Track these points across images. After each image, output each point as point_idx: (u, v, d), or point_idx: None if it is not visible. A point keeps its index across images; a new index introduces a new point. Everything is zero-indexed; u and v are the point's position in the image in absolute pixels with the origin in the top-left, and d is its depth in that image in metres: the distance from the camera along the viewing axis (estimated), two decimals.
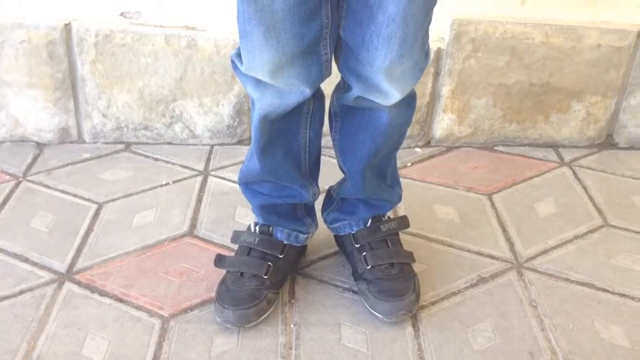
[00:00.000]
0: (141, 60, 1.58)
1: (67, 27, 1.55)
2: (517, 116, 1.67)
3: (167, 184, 1.51)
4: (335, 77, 1.04)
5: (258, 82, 0.99)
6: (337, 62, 1.02)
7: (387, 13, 0.90)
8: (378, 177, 1.15)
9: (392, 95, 0.99)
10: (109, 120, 1.65)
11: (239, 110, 1.65)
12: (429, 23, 0.97)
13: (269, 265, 1.12)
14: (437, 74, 1.62)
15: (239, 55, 1.01)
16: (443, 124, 1.68)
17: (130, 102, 1.63)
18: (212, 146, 1.68)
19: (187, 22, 1.58)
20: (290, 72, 0.96)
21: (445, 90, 1.63)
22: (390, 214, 1.22)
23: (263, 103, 1.01)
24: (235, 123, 1.67)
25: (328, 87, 1.08)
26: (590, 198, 1.47)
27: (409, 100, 1.06)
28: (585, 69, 1.60)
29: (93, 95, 1.62)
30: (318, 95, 1.07)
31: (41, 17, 1.54)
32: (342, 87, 1.07)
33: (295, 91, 1.00)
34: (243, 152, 1.64)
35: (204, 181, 1.52)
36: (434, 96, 1.65)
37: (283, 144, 1.08)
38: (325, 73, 1.00)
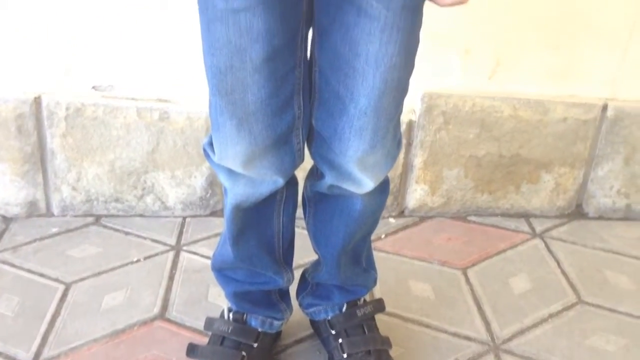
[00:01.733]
0: (113, 133, 1.57)
1: (37, 101, 1.54)
2: (488, 187, 1.68)
3: (137, 260, 1.48)
4: (308, 162, 1.04)
5: (230, 172, 0.99)
6: (309, 150, 1.02)
7: (359, 106, 0.90)
8: (353, 262, 1.14)
9: (366, 184, 0.99)
10: (78, 193, 1.63)
11: (211, 182, 1.64)
12: (400, 113, 0.98)
13: (243, 355, 1.09)
14: (409, 145, 1.64)
15: (211, 144, 1.00)
16: (416, 194, 1.68)
17: (101, 175, 1.61)
18: (184, 218, 1.66)
19: (160, 95, 1.58)
20: (263, 163, 0.96)
21: (418, 161, 1.64)
22: (366, 296, 1.21)
23: (236, 192, 1.01)
24: (208, 195, 1.66)
25: (301, 171, 1.07)
26: (564, 273, 1.48)
27: (383, 187, 1.06)
28: (553, 141, 1.63)
29: (63, 168, 1.60)
30: (291, 181, 1.07)
31: (10, 90, 1.53)
32: (315, 174, 1.07)
33: (268, 180, 0.99)
34: (216, 224, 1.62)
35: (176, 257, 1.50)
36: (407, 167, 1.66)
37: (256, 231, 1.07)
38: (298, 161, 1.00)
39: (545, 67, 1.59)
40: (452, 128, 1.60)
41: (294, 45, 0.89)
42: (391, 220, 1.68)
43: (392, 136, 0.97)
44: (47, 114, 1.54)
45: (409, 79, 0.93)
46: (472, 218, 1.70)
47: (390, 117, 0.94)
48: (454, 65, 1.57)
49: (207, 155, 1.02)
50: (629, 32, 1.56)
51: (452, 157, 1.64)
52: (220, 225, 1.62)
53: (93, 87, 1.57)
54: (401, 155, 1.63)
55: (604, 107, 1.61)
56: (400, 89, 0.92)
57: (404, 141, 1.62)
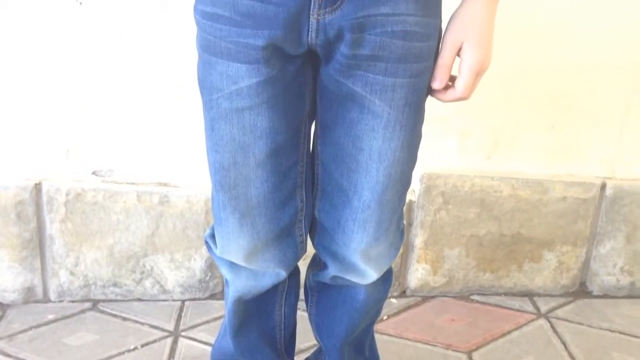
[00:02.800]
0: (112, 217, 1.57)
1: (37, 187, 1.54)
2: (490, 266, 1.67)
3: (135, 348, 1.44)
4: (309, 250, 1.03)
5: (232, 265, 0.98)
6: (312, 241, 1.02)
7: (362, 199, 0.90)
8: (356, 351, 1.12)
9: (369, 275, 0.98)
10: (76, 278, 1.60)
11: (211, 264, 1.62)
12: (403, 204, 0.98)
13: None
14: (409, 226, 1.63)
15: (213, 236, 1.00)
16: (417, 274, 1.67)
17: (100, 259, 1.59)
18: (183, 302, 1.63)
19: (160, 179, 1.58)
20: (266, 256, 0.95)
21: (418, 241, 1.64)
22: None
23: (237, 285, 0.99)
24: (207, 277, 1.64)
25: (302, 260, 1.06)
26: (571, 355, 1.45)
27: (386, 276, 1.05)
28: (554, 220, 1.63)
29: (61, 254, 1.58)
30: (293, 271, 1.06)
31: (11, 177, 1.53)
32: (318, 264, 1.06)
33: (271, 273, 0.98)
34: (215, 308, 1.59)
35: (174, 343, 1.46)
36: (408, 247, 1.65)
37: (258, 324, 1.05)
38: (300, 253, 1.00)
39: (543, 147, 1.60)
40: (452, 208, 1.60)
41: (297, 141, 0.90)
42: (393, 300, 1.66)
43: (395, 227, 0.97)
44: (47, 199, 1.54)
45: (412, 171, 0.94)
46: (475, 297, 1.68)
47: (394, 210, 0.93)
48: (452, 146, 1.59)
49: (209, 248, 1.01)
50: (623, 111, 1.58)
51: (453, 237, 1.63)
52: (219, 308, 1.60)
53: (93, 172, 1.57)
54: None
55: (603, 186, 1.62)
56: (403, 182, 0.92)
57: (404, 221, 1.61)
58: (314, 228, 0.99)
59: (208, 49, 0.84)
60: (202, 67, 0.86)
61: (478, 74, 0.85)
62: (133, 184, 1.58)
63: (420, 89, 0.86)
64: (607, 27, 1.51)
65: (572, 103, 1.57)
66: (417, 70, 0.83)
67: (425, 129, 0.91)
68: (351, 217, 0.92)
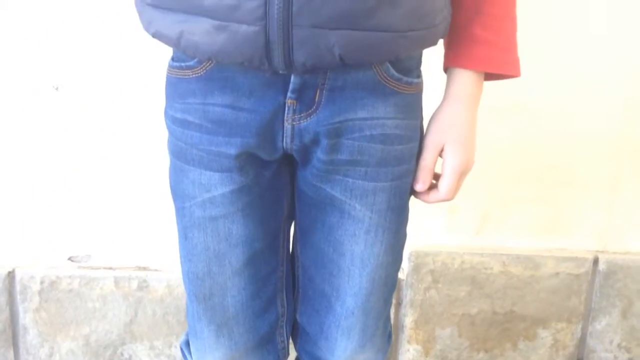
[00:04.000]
0: (88, 305, 1.50)
1: (11, 275, 1.48)
2: (484, 345, 1.61)
3: None
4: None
5: None
6: (294, 345, 0.96)
7: (346, 305, 0.85)
8: None
9: None
10: None
11: None
12: (390, 307, 0.93)
13: None
14: (398, 305, 1.58)
15: (188, 343, 0.94)
16: (409, 355, 1.60)
17: (75, 350, 1.52)
18: None
19: (139, 262, 1.53)
20: None
21: (408, 320, 1.58)
22: None
23: None
24: None
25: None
26: None
27: None
28: (547, 296, 1.58)
29: (35, 344, 1.51)
30: None
31: None
32: None
33: None
34: None
35: None
36: (397, 327, 1.59)
37: None
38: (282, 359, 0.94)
39: (533, 221, 1.56)
40: (441, 286, 1.55)
41: (276, 246, 0.86)
42: None
43: (381, 332, 0.91)
44: (21, 288, 1.48)
45: (397, 273, 0.89)
46: None
47: (379, 315, 0.88)
48: (440, 223, 1.54)
49: (184, 356, 0.95)
50: (613, 184, 1.55)
51: (444, 316, 1.58)
52: None
53: (69, 258, 1.51)
54: (391, 315, 1.56)
55: (595, 261, 1.58)
56: (388, 285, 0.87)
57: (393, 301, 1.56)
58: (296, 332, 0.94)
59: (179, 155, 0.80)
60: (174, 173, 0.82)
61: (462, 175, 0.81)
62: (110, 268, 1.52)
63: (403, 191, 0.82)
64: (593, 99, 1.49)
65: (560, 176, 1.54)
66: (399, 173, 0.80)
67: (412, 204, 0.87)
68: (334, 323, 0.87)
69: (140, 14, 0.75)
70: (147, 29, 0.75)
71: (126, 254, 1.52)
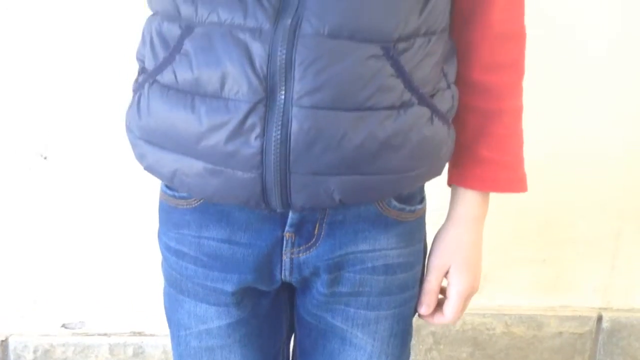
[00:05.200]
0: None
1: (4, 344, 1.45)
2: None
3: None
4: None
5: None
6: None
7: None
8: None
9: None
10: None
11: None
12: None
13: None
14: None
15: None
16: None
17: None
18: None
19: (134, 327, 1.50)
20: None
21: None
22: None
23: None
24: None
25: None
26: None
27: None
28: (550, 356, 1.55)
29: None
30: None
31: None
32: None
33: None
34: None
35: None
36: None
37: None
38: None
39: (535, 280, 1.54)
40: (443, 348, 1.53)
41: None
42: None
43: None
44: (14, 358, 1.45)
45: None
46: None
47: None
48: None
49: None
50: (614, 240, 1.53)
51: None
52: None
53: (63, 325, 1.48)
54: None
55: (599, 319, 1.56)
56: None
57: None
58: None
59: (174, 284, 0.77)
60: (168, 301, 0.79)
61: (467, 298, 0.78)
62: (105, 334, 1.49)
63: (407, 316, 0.79)
64: (594, 157, 1.46)
65: (562, 234, 1.52)
66: (402, 300, 0.77)
67: None
68: None
69: (133, 145, 0.72)
70: (139, 160, 0.72)
71: (120, 318, 1.49)
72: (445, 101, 0.70)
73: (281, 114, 0.61)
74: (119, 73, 1.16)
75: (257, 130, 0.62)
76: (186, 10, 0.64)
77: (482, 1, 0.71)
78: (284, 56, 0.61)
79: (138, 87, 0.70)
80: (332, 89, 0.61)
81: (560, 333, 1.54)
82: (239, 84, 0.61)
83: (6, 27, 1.29)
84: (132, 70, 0.75)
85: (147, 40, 0.69)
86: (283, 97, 0.61)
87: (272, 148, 0.62)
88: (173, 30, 0.65)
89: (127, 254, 1.43)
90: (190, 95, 0.64)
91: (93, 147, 1.36)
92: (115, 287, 1.46)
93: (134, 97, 0.71)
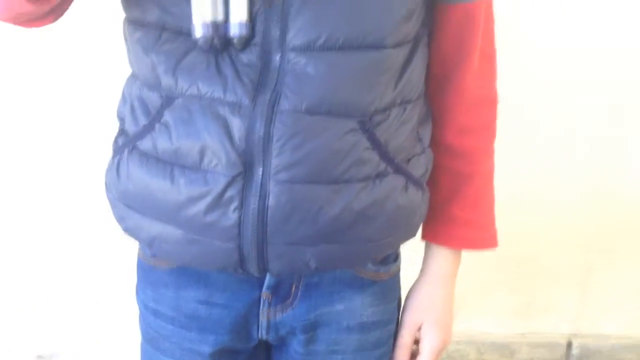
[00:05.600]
0: None
1: None
2: None
3: None
4: None
5: None
6: None
7: None
8: None
9: None
10: None
11: None
12: None
13: None
14: None
15: None
16: None
17: None
18: None
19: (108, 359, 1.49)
20: None
21: None
22: None
23: None
24: None
25: None
26: None
27: None
28: None
29: None
30: None
31: None
32: None
33: None
34: None
35: None
36: None
37: None
38: None
39: (507, 308, 1.57)
40: None
41: None
42: None
43: None
44: None
45: None
46: None
47: None
48: None
49: None
50: (585, 271, 1.57)
51: None
52: None
53: (38, 356, 1.47)
54: None
55: (569, 345, 1.59)
56: None
57: None
58: None
59: (150, 342, 0.78)
60: (145, 356, 0.80)
61: (439, 353, 0.80)
62: None
63: None
64: (563, 193, 1.50)
65: (534, 264, 1.55)
66: (376, 356, 0.78)
67: None
68: None
69: (113, 206, 0.72)
70: (118, 222, 0.72)
71: (94, 351, 1.48)
72: (420, 166, 0.72)
73: (259, 187, 0.63)
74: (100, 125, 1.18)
75: (235, 202, 0.63)
76: (167, 81, 0.64)
77: (456, 68, 0.73)
78: (262, 132, 0.62)
79: (118, 150, 0.71)
80: (309, 165, 0.62)
81: (532, 359, 1.57)
82: (218, 157, 0.62)
83: None
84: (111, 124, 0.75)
85: (128, 102, 0.70)
86: (261, 171, 0.62)
87: (250, 220, 0.63)
88: (154, 99, 0.66)
89: (102, 286, 1.43)
90: (169, 165, 0.65)
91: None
92: (88, 319, 1.46)
93: (113, 158, 0.71)
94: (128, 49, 0.70)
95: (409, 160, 0.70)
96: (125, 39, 0.70)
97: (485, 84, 0.76)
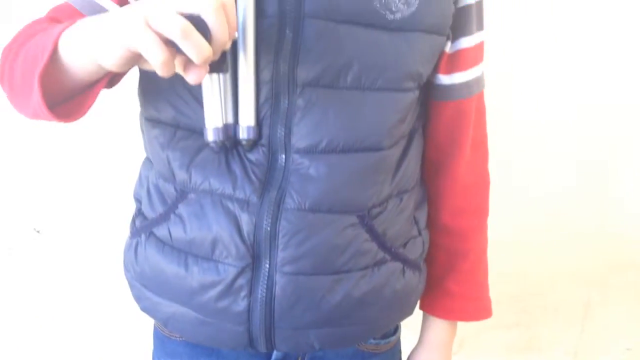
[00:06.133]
0: None
1: None
2: None
3: None
4: None
5: None
6: None
7: None
8: None
9: None
10: None
11: None
12: None
13: None
14: None
15: None
16: None
17: None
18: None
19: None
20: None
21: None
22: None
23: None
24: None
25: None
26: None
27: None
28: None
29: None
30: None
31: None
32: None
33: None
34: None
35: None
36: None
37: None
38: None
39: (507, 344, 1.61)
40: None
41: None
42: None
43: None
44: None
45: None
46: None
47: None
48: None
49: None
50: (584, 307, 1.61)
51: None
52: None
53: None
54: None
55: None
56: None
57: None
58: None
59: None
60: None
61: None
62: None
63: None
64: (562, 231, 1.54)
65: (534, 301, 1.59)
66: None
67: None
68: None
69: (131, 286, 0.78)
70: (136, 301, 0.78)
71: None
72: (416, 248, 0.77)
73: (266, 278, 0.68)
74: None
75: (245, 291, 0.68)
76: (181, 176, 0.69)
77: (449, 156, 0.78)
78: (269, 227, 0.67)
79: (136, 233, 0.76)
80: (312, 258, 0.67)
81: None
82: (228, 250, 0.68)
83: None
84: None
85: (145, 187, 0.75)
86: (268, 264, 0.67)
87: (258, 307, 0.68)
88: (169, 190, 0.71)
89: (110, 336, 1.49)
90: (184, 253, 0.70)
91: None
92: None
93: (131, 239, 0.77)
94: (145, 141, 0.75)
95: (405, 244, 0.75)
96: (142, 132, 0.75)
97: (477, 170, 0.81)
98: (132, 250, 0.75)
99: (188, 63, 0.54)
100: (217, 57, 0.55)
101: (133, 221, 0.78)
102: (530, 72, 1.45)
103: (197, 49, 0.51)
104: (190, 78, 0.54)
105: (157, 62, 0.51)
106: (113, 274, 1.36)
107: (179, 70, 0.55)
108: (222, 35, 0.52)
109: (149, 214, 0.74)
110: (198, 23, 0.52)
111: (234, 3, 0.54)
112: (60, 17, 0.71)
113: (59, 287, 1.45)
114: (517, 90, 1.45)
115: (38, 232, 1.43)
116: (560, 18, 1.42)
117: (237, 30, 0.63)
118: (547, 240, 1.55)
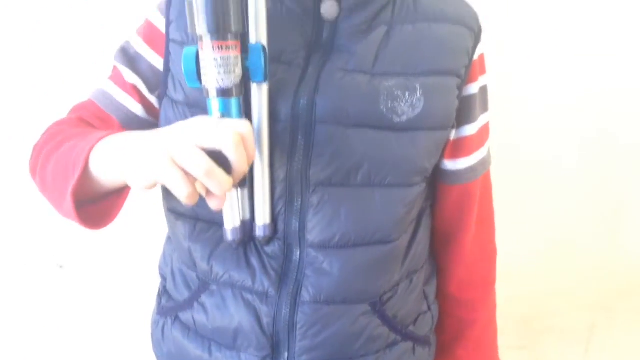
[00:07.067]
0: None
1: None
2: None
3: None
4: None
5: None
6: None
7: None
8: None
9: None
10: None
11: None
12: None
13: None
14: None
15: None
16: None
17: None
18: None
19: None
20: None
21: None
22: None
23: None
24: None
25: None
26: None
27: None
28: None
29: None
30: None
31: None
32: None
33: None
34: None
35: None
36: None
37: None
38: None
39: None
40: None
41: None
42: None
43: None
44: None
45: None
46: None
47: None
48: None
49: None
50: (589, 331, 1.65)
51: None
52: None
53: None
54: None
55: None
56: None
57: None
58: None
59: None
60: None
61: None
62: None
63: None
64: (567, 258, 1.58)
65: (540, 324, 1.64)
66: None
67: None
68: None
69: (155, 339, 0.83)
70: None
71: None
72: (426, 323, 0.81)
73: None
74: None
75: None
76: (203, 267, 0.74)
77: (456, 232, 0.82)
78: (287, 319, 0.71)
79: (163, 314, 0.80)
80: (328, 348, 0.72)
81: None
82: (249, 340, 0.72)
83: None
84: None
85: (169, 267, 0.79)
86: (287, 354, 0.72)
87: None
88: (192, 277, 0.76)
89: None
90: (207, 340, 0.75)
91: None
92: None
93: (159, 317, 0.81)
94: (169, 229, 0.79)
95: (415, 320, 0.79)
96: (167, 221, 0.79)
97: (484, 243, 0.84)
98: (160, 330, 0.80)
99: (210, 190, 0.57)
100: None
101: (159, 296, 0.83)
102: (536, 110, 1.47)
103: (220, 186, 0.55)
104: (212, 204, 0.58)
105: (182, 196, 0.55)
106: (135, 313, 1.42)
107: (201, 191, 0.58)
108: (242, 167, 0.56)
109: (175, 295, 0.78)
110: (219, 158, 0.55)
111: (252, 131, 0.57)
112: (87, 117, 0.75)
113: (81, 322, 1.50)
114: (524, 124, 1.48)
115: (61, 267, 1.47)
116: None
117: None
118: (553, 264, 1.59)
